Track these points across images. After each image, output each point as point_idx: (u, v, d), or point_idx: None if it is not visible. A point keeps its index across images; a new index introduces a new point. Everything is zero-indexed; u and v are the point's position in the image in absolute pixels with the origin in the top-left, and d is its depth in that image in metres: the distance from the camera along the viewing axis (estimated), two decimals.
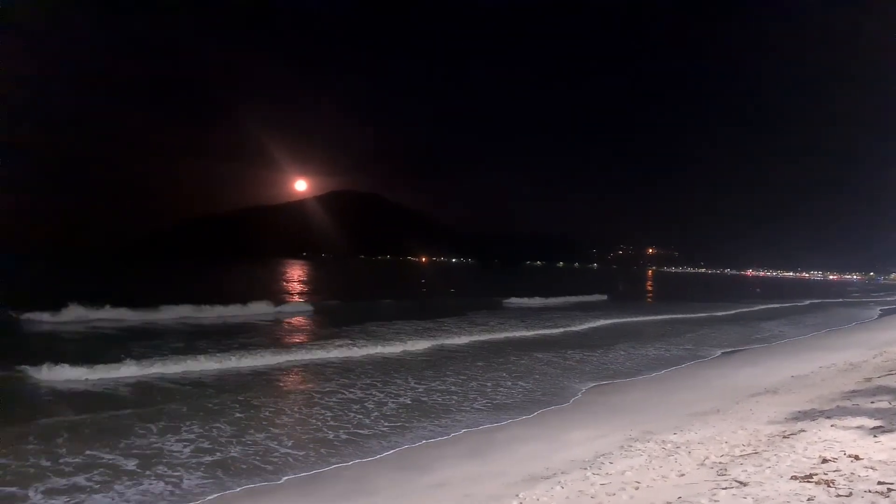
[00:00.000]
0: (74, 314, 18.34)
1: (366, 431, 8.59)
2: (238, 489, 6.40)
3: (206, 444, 7.67)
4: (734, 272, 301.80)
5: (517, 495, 5.64)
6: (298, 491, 6.46)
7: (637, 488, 5.40)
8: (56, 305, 18.58)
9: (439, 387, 11.59)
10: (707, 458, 6.16)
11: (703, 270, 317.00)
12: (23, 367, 10.88)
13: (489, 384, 12.03)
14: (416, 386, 11.61)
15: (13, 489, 6.10)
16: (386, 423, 8.99)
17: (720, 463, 5.83)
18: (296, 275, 69.43)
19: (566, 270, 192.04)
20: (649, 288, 79.40)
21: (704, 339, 20.89)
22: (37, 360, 11.07)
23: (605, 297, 43.24)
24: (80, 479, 6.39)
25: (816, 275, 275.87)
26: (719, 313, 32.87)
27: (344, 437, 8.30)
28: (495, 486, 6.19)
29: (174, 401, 9.74)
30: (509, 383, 12.24)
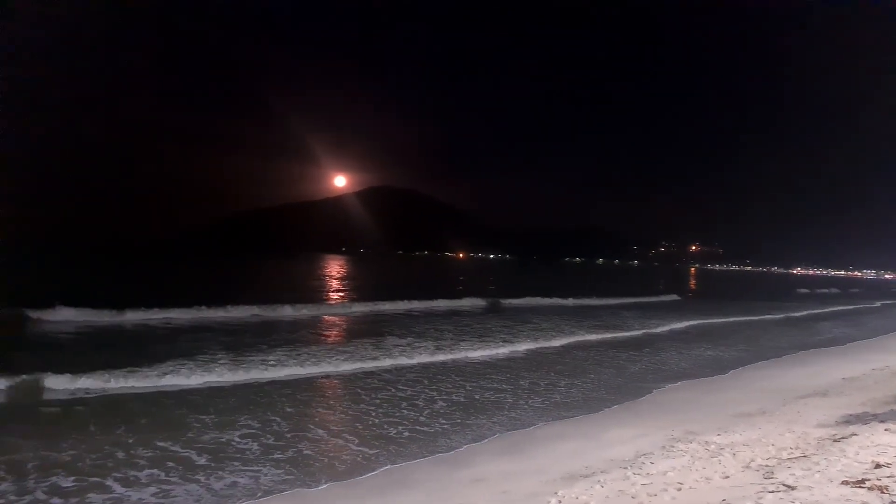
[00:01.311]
0: (134, 317, 18.14)
1: (427, 429, 8.64)
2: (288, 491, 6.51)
3: (271, 441, 7.83)
4: (781, 270, 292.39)
5: (556, 493, 5.60)
6: (337, 484, 6.54)
7: (679, 489, 5.30)
8: (116, 305, 18.59)
9: (504, 386, 11.72)
10: (753, 460, 6.01)
11: (749, 268, 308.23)
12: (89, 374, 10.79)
13: (542, 383, 12.04)
14: (497, 386, 11.72)
15: (95, 479, 6.33)
16: (444, 421, 9.04)
17: (766, 466, 5.67)
18: (352, 271, 70.47)
19: (607, 267, 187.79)
20: (692, 286, 77.43)
21: (766, 339, 20.21)
22: (101, 362, 11.28)
23: (677, 298, 41.96)
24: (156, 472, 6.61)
25: (869, 273, 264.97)
26: (797, 314, 32.08)
27: (406, 434, 8.35)
28: (533, 483, 6.16)
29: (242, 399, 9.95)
30: (565, 381, 12.24)
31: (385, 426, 8.64)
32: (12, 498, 5.75)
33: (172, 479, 6.42)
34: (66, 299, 18.06)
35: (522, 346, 16.42)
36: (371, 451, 7.62)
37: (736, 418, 8.66)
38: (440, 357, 14.06)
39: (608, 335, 19.93)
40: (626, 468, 6.26)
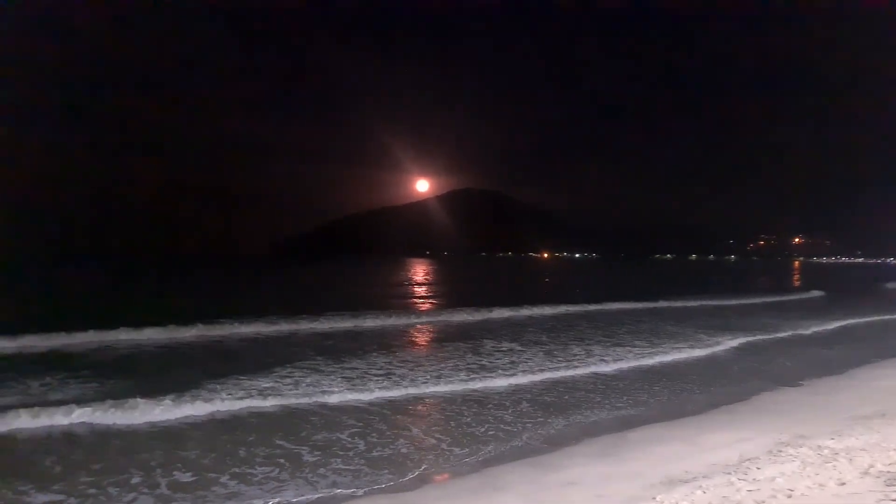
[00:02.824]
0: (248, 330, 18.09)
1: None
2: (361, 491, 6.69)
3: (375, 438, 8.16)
4: None
5: (654, 498, 5.43)
6: (431, 485, 6.66)
7: (790, 496, 5.01)
8: (231, 316, 19.38)
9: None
10: (872, 466, 5.58)
11: (860, 260, 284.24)
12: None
13: (639, 385, 11.74)
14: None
15: (212, 475, 6.81)
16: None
17: (888, 472, 5.26)
18: (441, 275, 71.39)
19: (704, 264, 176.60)
20: (795, 279, 72.41)
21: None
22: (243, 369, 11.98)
23: (821, 294, 38.92)
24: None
25: None
26: None
27: (500, 437, 8.38)
28: (630, 487, 6.00)
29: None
30: (662, 382, 11.92)
31: (478, 429, 8.70)
32: (135, 493, 6.26)
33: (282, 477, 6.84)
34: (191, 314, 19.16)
35: (670, 357, 14.63)
36: (463, 452, 7.71)
37: (852, 421, 8.06)
38: (568, 372, 12.60)
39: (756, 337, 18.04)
40: (729, 473, 5.98)
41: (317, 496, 6.34)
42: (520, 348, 15.36)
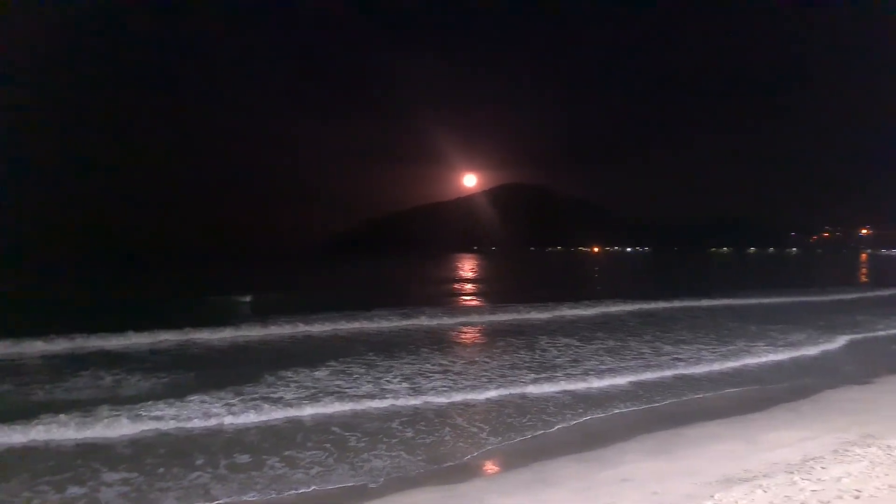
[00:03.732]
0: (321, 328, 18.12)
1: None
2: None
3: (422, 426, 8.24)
4: None
5: (712, 496, 5.29)
6: (484, 479, 6.69)
7: (857, 497, 4.81)
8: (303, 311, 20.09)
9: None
10: None
11: None
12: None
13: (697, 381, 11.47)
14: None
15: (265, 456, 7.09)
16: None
17: None
18: (494, 271, 71.26)
19: (762, 257, 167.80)
20: (865, 273, 68.74)
21: None
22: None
23: None
24: None
25: None
26: None
27: (551, 431, 8.39)
28: (686, 485, 5.86)
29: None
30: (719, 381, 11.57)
31: (531, 422, 8.70)
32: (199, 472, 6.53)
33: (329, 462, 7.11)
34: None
35: (781, 355, 13.87)
36: (514, 446, 7.73)
37: None
38: (650, 375, 11.85)
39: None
40: (791, 473, 5.77)
41: (361, 482, 6.53)
42: (607, 351, 14.44)
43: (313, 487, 6.41)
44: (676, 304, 25.75)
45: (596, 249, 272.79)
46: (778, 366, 13.05)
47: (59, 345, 14.44)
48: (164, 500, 6.07)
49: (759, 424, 8.24)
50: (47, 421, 8.05)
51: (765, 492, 5.27)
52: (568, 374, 11.77)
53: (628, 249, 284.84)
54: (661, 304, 25.30)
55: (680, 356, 13.62)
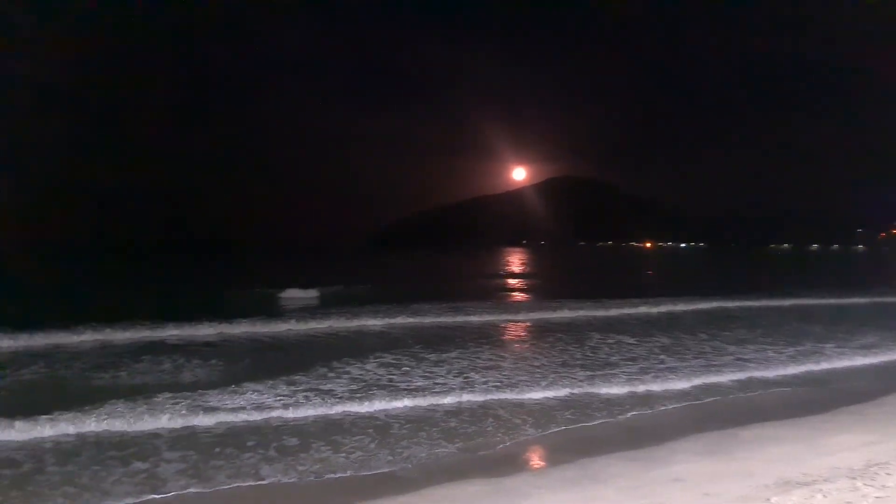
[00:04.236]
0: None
1: None
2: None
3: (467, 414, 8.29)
4: None
5: (768, 500, 5.11)
6: (529, 474, 6.67)
7: None
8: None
9: None
10: None
11: None
12: None
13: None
14: None
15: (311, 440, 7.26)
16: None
17: None
18: (545, 265, 70.64)
19: (826, 254, 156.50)
20: None
21: None
22: None
23: None
24: None
25: None
26: None
27: (599, 427, 8.33)
28: (740, 487, 5.67)
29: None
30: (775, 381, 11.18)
31: (576, 417, 8.62)
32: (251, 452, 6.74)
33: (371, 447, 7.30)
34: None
35: (850, 357, 13.20)
36: (559, 442, 7.69)
37: None
38: (723, 378, 11.26)
39: None
40: (854, 478, 5.51)
41: (402, 471, 6.63)
42: (663, 349, 14.03)
43: (349, 472, 6.60)
44: (735, 303, 24.51)
45: (648, 245, 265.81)
46: (846, 368, 12.46)
47: (125, 334, 15.02)
48: (217, 476, 6.39)
49: (821, 427, 7.92)
50: (111, 405, 8.47)
51: (825, 497, 5.05)
52: (622, 371, 11.59)
53: (682, 245, 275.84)
54: (717, 303, 24.18)
55: (743, 356, 13.18)
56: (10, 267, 49.78)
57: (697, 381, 10.83)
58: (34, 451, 7.03)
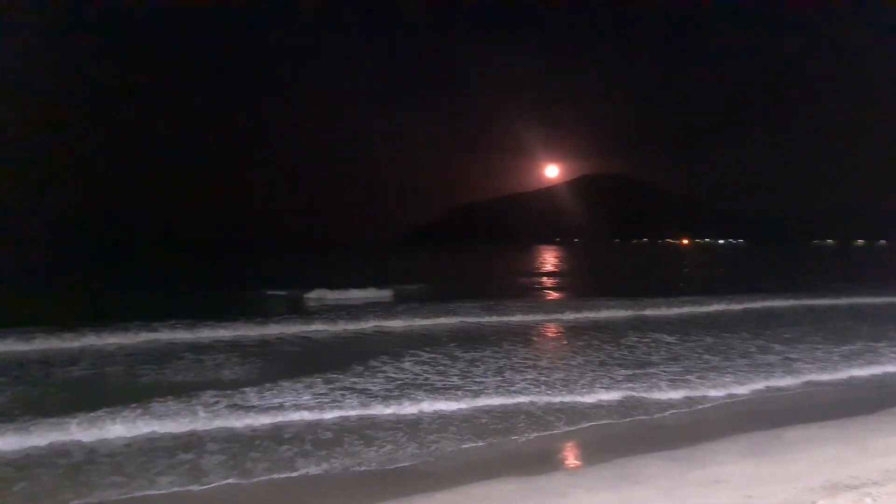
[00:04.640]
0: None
1: None
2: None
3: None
4: None
5: (815, 503, 4.97)
6: (564, 473, 6.62)
7: None
8: None
9: None
10: None
11: None
12: None
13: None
14: None
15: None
16: None
17: None
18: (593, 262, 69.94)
19: (871, 250, 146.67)
20: None
21: None
22: None
23: None
24: None
25: None
26: None
27: (635, 427, 8.25)
28: (785, 490, 5.52)
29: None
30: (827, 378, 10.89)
31: (616, 417, 8.53)
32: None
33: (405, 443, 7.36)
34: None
35: None
36: (593, 440, 7.64)
37: None
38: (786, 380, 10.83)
39: None
40: None
41: (432, 467, 6.58)
42: (706, 349, 13.68)
43: (382, 467, 6.71)
44: (780, 302, 23.52)
45: (685, 242, 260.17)
46: None
47: (183, 333, 15.26)
48: (255, 469, 6.60)
49: (870, 428, 7.66)
50: (158, 401, 8.75)
51: (874, 501, 4.90)
52: (661, 370, 11.40)
53: (720, 242, 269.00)
54: (763, 303, 23.13)
55: (790, 355, 12.82)
56: (55, 267, 51.23)
57: (743, 381, 10.53)
58: (85, 446, 7.31)
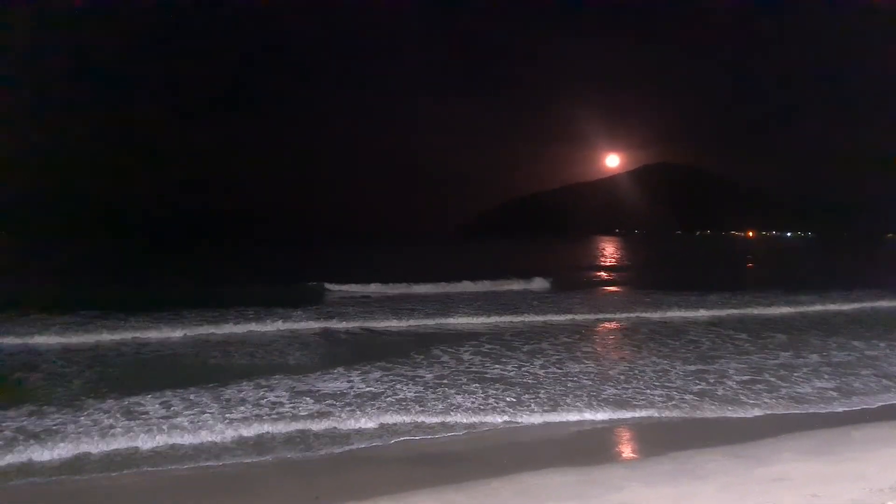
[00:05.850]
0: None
1: None
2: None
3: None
4: None
5: None
6: (620, 465, 6.64)
7: None
8: None
9: None
10: None
11: None
12: None
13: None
14: None
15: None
16: None
17: None
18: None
19: None
20: None
21: None
22: None
23: None
24: None
25: None
26: None
27: (697, 421, 8.16)
28: (852, 490, 5.38)
29: None
30: None
31: (675, 409, 8.43)
32: None
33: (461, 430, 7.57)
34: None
35: None
36: (656, 435, 7.60)
37: None
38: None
39: None
40: None
41: (487, 450, 6.69)
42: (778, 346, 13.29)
43: (436, 450, 7.07)
44: (853, 305, 20.46)
45: (751, 234, 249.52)
46: None
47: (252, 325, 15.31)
48: (316, 444, 7.20)
49: None
50: (235, 386, 9.23)
51: None
52: (725, 366, 11.08)
53: (788, 234, 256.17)
54: (836, 306, 20.16)
55: (866, 352, 12.26)
56: (128, 259, 53.16)
57: (812, 379, 10.17)
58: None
